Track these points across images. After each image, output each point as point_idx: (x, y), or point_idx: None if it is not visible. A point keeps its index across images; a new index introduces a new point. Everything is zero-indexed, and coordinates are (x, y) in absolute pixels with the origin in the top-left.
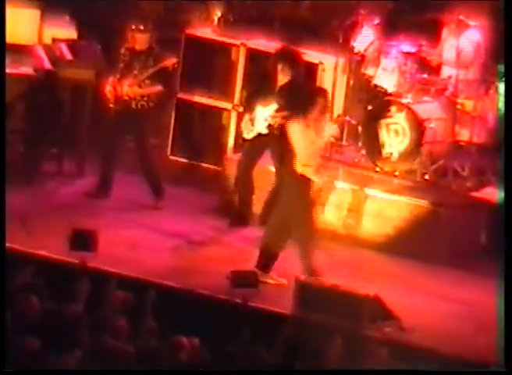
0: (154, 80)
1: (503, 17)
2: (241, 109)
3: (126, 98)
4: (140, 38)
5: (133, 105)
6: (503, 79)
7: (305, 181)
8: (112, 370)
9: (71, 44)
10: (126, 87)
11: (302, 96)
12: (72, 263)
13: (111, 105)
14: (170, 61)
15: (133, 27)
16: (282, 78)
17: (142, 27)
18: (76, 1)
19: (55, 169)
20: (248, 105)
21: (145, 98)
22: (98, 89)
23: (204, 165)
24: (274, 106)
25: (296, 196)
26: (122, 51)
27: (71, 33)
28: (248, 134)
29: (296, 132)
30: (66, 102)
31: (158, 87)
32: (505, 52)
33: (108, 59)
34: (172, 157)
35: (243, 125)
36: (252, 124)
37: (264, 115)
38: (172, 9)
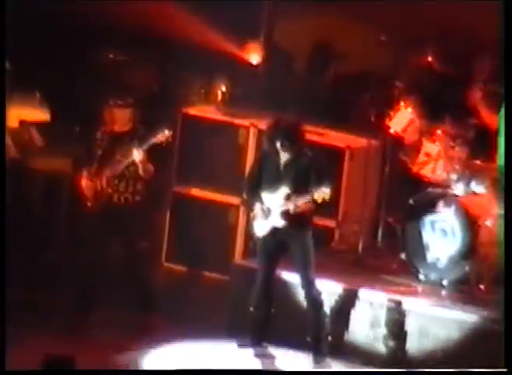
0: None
1: (503, 17)
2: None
3: (109, 190)
4: (119, 116)
5: (115, 200)
6: None
7: None
8: (115, 371)
9: (42, 128)
10: (105, 179)
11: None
12: None
13: (88, 204)
14: (163, 135)
15: (111, 103)
16: (285, 155)
17: (121, 102)
18: (47, 75)
19: None
20: (254, 195)
21: (130, 190)
22: (76, 182)
23: (206, 273)
24: (283, 190)
25: None
26: (99, 135)
27: (42, 114)
28: (261, 231)
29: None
30: (37, 199)
31: (151, 168)
32: (505, 53)
33: (87, 145)
34: (167, 264)
35: (253, 220)
36: (265, 216)
37: (275, 203)
38: (165, 83)
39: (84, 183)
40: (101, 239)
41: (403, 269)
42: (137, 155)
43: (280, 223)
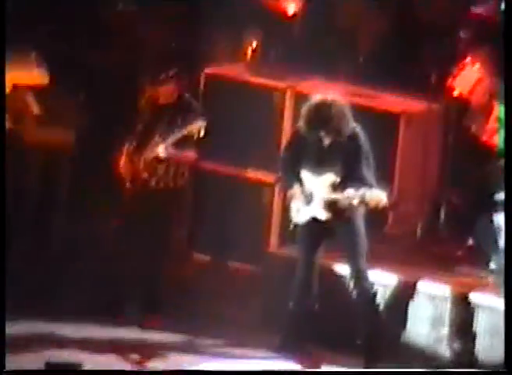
0: (179, 147)
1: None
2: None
3: (145, 175)
4: (163, 91)
5: (153, 184)
6: None
7: None
8: (113, 370)
9: (40, 93)
10: (143, 160)
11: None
12: None
13: (127, 185)
14: (196, 124)
15: (151, 78)
16: (328, 139)
17: (164, 77)
18: (44, 31)
19: None
20: (291, 174)
21: (171, 173)
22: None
23: (236, 264)
24: (328, 176)
25: None
26: (141, 105)
27: (39, 77)
28: (299, 217)
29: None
30: (34, 176)
31: (190, 155)
32: (505, 53)
33: (97, 114)
34: (195, 254)
35: (291, 202)
36: (306, 202)
37: (319, 189)
38: (188, 39)
39: (123, 162)
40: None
41: (470, 256)
42: (163, 150)
43: (323, 215)
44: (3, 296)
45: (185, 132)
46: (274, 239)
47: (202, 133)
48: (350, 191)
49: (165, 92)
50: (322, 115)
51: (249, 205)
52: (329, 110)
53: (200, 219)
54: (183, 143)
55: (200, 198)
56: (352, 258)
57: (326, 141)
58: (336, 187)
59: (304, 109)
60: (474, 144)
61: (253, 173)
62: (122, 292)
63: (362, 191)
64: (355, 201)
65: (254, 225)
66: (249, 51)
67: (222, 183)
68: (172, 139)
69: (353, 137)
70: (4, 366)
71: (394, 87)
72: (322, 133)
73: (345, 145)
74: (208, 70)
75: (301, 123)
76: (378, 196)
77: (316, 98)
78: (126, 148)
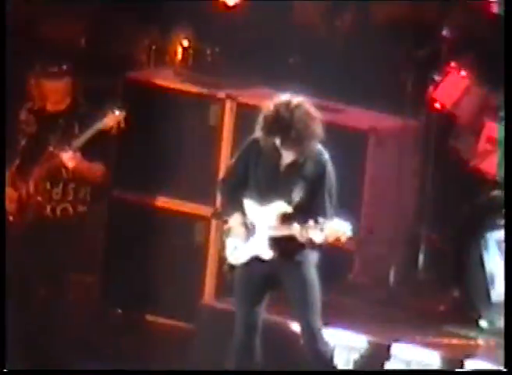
0: (86, 156)
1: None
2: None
3: (39, 199)
4: (52, 89)
5: (49, 212)
6: None
7: None
8: (113, 370)
9: None
10: (32, 182)
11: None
12: None
13: (11, 219)
14: (113, 117)
15: (37, 70)
16: (287, 155)
17: (56, 69)
18: None
19: None
20: (233, 201)
21: (69, 198)
22: None
23: (158, 319)
24: (279, 205)
25: None
26: (23, 115)
27: None
28: (237, 257)
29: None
30: None
31: (97, 167)
32: (505, 52)
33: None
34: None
35: (227, 237)
36: (246, 235)
37: (264, 220)
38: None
39: (6, 189)
40: (24, 271)
41: (456, 312)
42: (67, 155)
43: (267, 253)
44: (3, 296)
45: (100, 126)
46: (209, 288)
47: (123, 125)
48: (303, 223)
49: (55, 92)
50: (282, 118)
51: (177, 245)
52: (291, 114)
53: (113, 260)
54: (92, 148)
55: (112, 233)
56: (303, 314)
57: (285, 158)
58: (285, 220)
59: (262, 112)
60: (460, 169)
61: (182, 205)
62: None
63: (320, 222)
64: (310, 234)
65: (184, 270)
66: (178, 52)
67: (141, 217)
68: (82, 139)
69: (319, 161)
70: (4, 366)
71: (361, 98)
72: (278, 141)
73: (307, 169)
74: (127, 75)
75: (256, 130)
76: (339, 227)
77: (279, 99)
78: (8, 170)
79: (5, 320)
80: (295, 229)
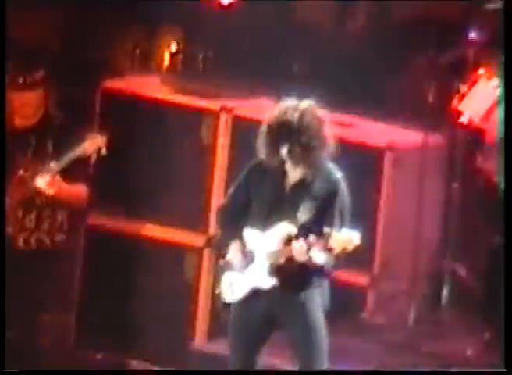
0: (65, 178)
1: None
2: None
3: (9, 229)
4: (22, 102)
5: (21, 244)
6: None
7: None
8: (113, 370)
9: None
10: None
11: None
12: None
13: None
14: (93, 142)
15: (6, 80)
16: (294, 172)
17: (25, 78)
18: None
19: None
20: (231, 229)
21: (44, 227)
22: None
23: (142, 364)
24: (284, 228)
25: None
26: None
27: None
28: (235, 292)
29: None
30: None
31: (77, 190)
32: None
33: None
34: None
35: (223, 272)
36: (243, 265)
37: (265, 246)
38: (77, 41)
39: None
40: None
41: (486, 356)
42: (43, 180)
43: (267, 281)
44: (3, 296)
45: (78, 153)
46: (201, 329)
47: (104, 152)
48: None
49: (24, 105)
50: (289, 122)
51: (165, 280)
52: (300, 118)
53: (92, 298)
54: (71, 169)
55: (90, 266)
56: (307, 360)
57: (291, 178)
58: (289, 243)
59: (265, 121)
60: (490, 193)
61: (170, 233)
62: None
63: (324, 233)
64: (311, 252)
65: (172, 308)
66: (166, 58)
67: (123, 247)
68: (60, 164)
69: (330, 180)
70: (4, 366)
71: (376, 110)
72: (285, 150)
73: (316, 187)
74: (107, 84)
75: (258, 147)
76: (345, 235)
77: (284, 103)
78: None
79: (5, 320)
80: (296, 247)
